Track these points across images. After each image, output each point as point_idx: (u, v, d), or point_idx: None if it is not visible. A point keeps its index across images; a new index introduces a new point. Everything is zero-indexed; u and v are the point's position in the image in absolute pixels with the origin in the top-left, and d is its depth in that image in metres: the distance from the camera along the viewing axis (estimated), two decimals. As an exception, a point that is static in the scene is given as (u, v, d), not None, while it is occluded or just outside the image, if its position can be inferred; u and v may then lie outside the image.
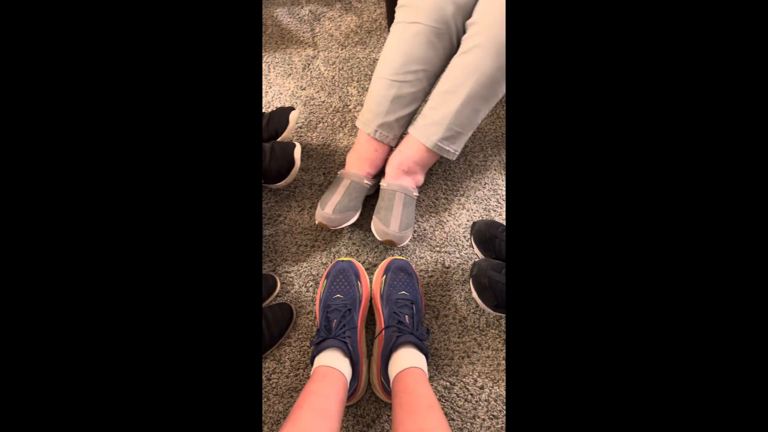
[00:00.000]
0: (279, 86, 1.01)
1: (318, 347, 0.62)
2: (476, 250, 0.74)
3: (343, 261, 0.72)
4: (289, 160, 0.76)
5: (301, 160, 0.87)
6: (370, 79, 1.03)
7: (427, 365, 0.63)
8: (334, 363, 0.59)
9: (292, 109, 0.82)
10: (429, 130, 0.74)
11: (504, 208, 0.85)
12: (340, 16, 1.14)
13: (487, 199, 0.86)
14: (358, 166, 0.78)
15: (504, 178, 0.89)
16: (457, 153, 0.77)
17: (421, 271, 0.79)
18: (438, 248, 0.81)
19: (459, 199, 0.86)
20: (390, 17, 1.06)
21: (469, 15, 0.71)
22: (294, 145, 0.77)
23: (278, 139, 0.81)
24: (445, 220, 0.84)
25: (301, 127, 0.95)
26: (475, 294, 0.69)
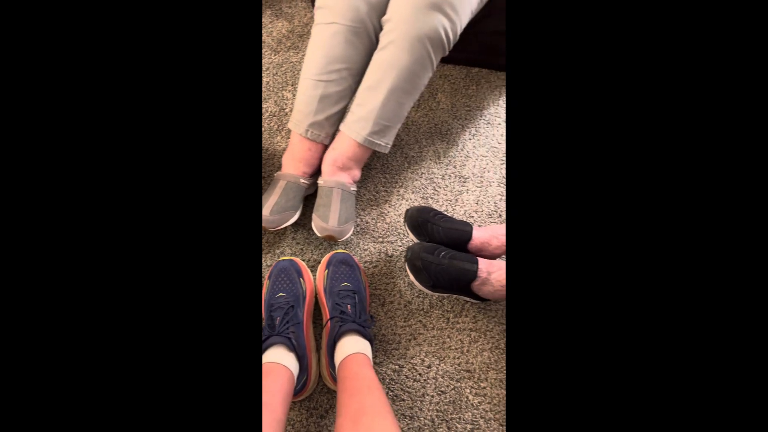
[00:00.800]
0: (213, 95, 1.01)
1: (264, 345, 0.63)
2: (411, 236, 0.78)
3: (284, 260, 0.74)
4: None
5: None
6: (304, 82, 1.05)
7: (374, 351, 0.65)
8: (278, 359, 0.60)
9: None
10: (358, 125, 0.76)
11: (440, 195, 0.89)
12: (271, 22, 1.15)
13: (424, 188, 0.90)
14: (293, 166, 0.80)
15: (439, 167, 0.93)
16: (389, 146, 0.80)
17: (366, 262, 0.81)
18: (381, 239, 0.83)
19: (398, 191, 0.89)
20: (320, 20, 1.09)
21: (383, 12, 0.74)
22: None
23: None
24: (386, 212, 0.87)
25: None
26: (411, 277, 0.72)
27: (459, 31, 0.73)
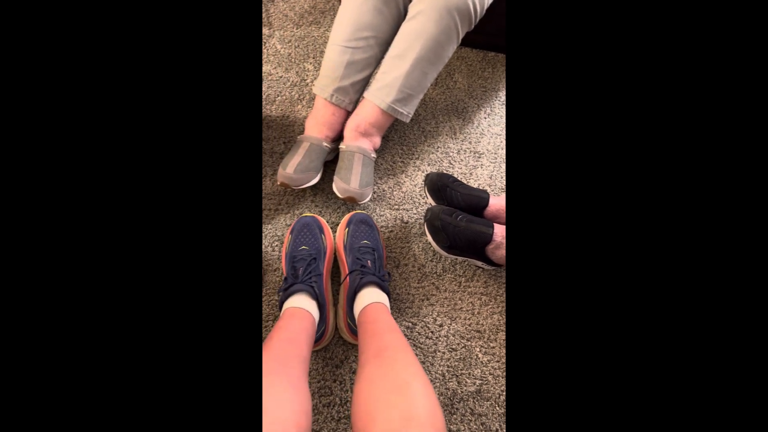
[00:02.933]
0: (236, 63, 1.03)
1: (286, 293, 0.65)
2: (430, 199, 0.80)
3: (306, 216, 0.76)
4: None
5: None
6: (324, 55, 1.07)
7: (390, 307, 0.68)
8: (302, 304, 0.63)
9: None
10: (382, 92, 0.79)
11: (455, 169, 0.92)
12: (293, -3, 1.17)
13: (440, 161, 0.93)
14: (317, 129, 0.82)
15: (454, 142, 0.96)
16: (410, 115, 0.82)
17: (382, 227, 0.83)
18: (397, 206, 0.86)
19: (414, 162, 0.92)
20: (342, -2, 1.11)
21: (413, -16, 0.77)
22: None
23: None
24: (402, 181, 0.89)
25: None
26: (429, 237, 0.75)
27: (486, 5, 0.76)
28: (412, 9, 0.76)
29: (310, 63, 1.05)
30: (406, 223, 0.84)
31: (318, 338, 0.67)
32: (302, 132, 0.93)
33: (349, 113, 0.84)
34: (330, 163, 0.87)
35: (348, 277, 0.70)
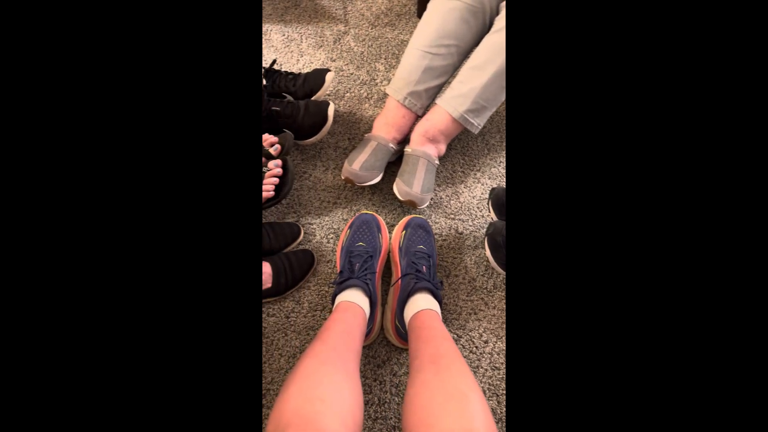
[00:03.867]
0: (310, 56, 1.06)
1: (340, 286, 0.66)
2: (492, 214, 0.80)
3: (366, 213, 0.77)
4: (323, 116, 0.81)
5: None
6: (397, 58, 1.08)
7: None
8: (356, 300, 0.63)
9: (328, 70, 0.87)
10: (456, 101, 0.79)
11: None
12: (371, -2, 1.19)
13: (501, 176, 0.92)
14: (385, 130, 0.83)
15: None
16: (480, 127, 0.82)
17: (436, 234, 0.83)
18: (453, 216, 0.86)
19: (475, 174, 0.91)
20: (420, 5, 1.12)
21: (503, -2, 0.76)
22: (328, 104, 0.82)
23: (312, 98, 0.85)
24: (460, 191, 0.89)
25: (329, 95, 1.00)
26: (488, 251, 0.74)
27: None
28: (498, 23, 0.76)
29: (381, 63, 1.06)
30: (461, 233, 0.84)
31: (365, 334, 0.68)
32: (368, 130, 0.94)
33: (418, 117, 0.85)
34: (391, 163, 0.88)
35: (400, 280, 0.70)
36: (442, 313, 0.75)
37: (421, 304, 0.64)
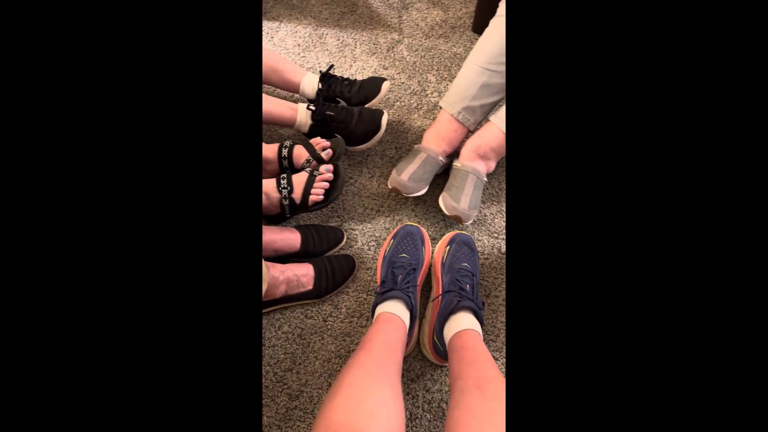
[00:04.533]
0: (363, 62, 1.07)
1: (382, 296, 0.66)
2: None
3: (411, 225, 0.77)
4: (376, 125, 0.81)
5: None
6: (449, 70, 1.08)
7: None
8: (397, 311, 0.63)
9: (384, 79, 0.88)
10: (511, 120, 0.78)
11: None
12: (427, 8, 1.19)
13: (548, 198, 0.90)
14: (435, 143, 0.83)
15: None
16: None
17: (478, 252, 0.82)
18: (496, 234, 0.84)
19: (521, 194, 0.90)
20: (476, 19, 1.12)
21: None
22: (382, 113, 0.83)
23: (366, 105, 0.86)
24: (505, 211, 0.87)
25: (379, 103, 1.00)
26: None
27: None
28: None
29: (433, 75, 1.06)
30: (503, 254, 0.82)
31: (401, 348, 0.67)
32: (415, 140, 0.94)
33: (470, 133, 0.84)
34: (436, 175, 0.88)
35: (442, 296, 0.69)
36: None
37: (464, 323, 0.63)
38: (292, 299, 0.72)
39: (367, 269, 0.79)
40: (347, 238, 0.82)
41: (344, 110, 0.82)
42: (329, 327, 0.73)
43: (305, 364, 0.70)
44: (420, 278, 0.72)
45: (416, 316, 0.67)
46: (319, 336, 0.72)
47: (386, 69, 1.06)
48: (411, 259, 0.71)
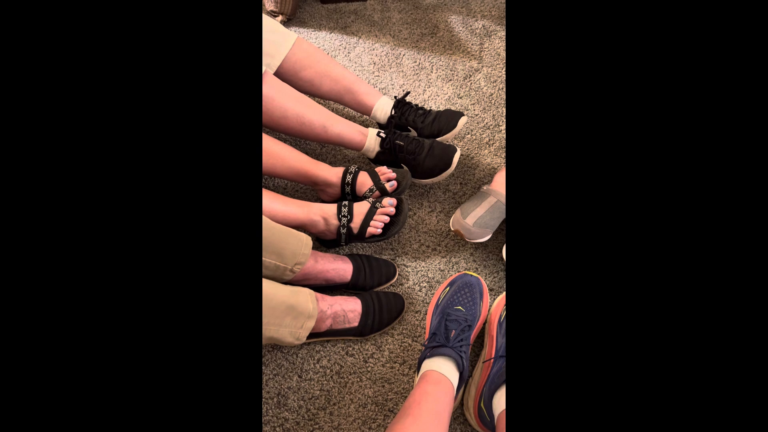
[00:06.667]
0: (437, 88, 1.03)
1: (432, 351, 0.61)
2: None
3: (471, 276, 0.72)
4: (447, 161, 0.77)
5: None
6: (526, 107, 1.02)
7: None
8: (447, 372, 0.58)
9: (462, 114, 0.83)
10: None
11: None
12: (511, 38, 1.14)
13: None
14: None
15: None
16: None
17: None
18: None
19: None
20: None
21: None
22: (455, 150, 0.78)
23: (438, 139, 0.82)
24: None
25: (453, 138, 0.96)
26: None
27: None
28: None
29: (510, 110, 1.00)
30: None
31: (443, 408, 0.62)
32: (483, 177, 0.89)
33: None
34: (502, 223, 0.82)
35: (494, 360, 0.64)
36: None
37: (518, 398, 0.57)
38: (336, 334, 0.69)
39: (416, 312, 0.75)
40: (399, 274, 0.78)
41: (415, 141, 0.79)
42: (369, 369, 0.70)
43: (340, 405, 0.67)
44: (474, 335, 0.67)
45: (466, 379, 0.62)
46: (358, 377, 0.69)
47: (461, 98, 1.02)
48: (467, 314, 0.66)
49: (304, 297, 0.61)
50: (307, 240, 0.64)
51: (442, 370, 0.59)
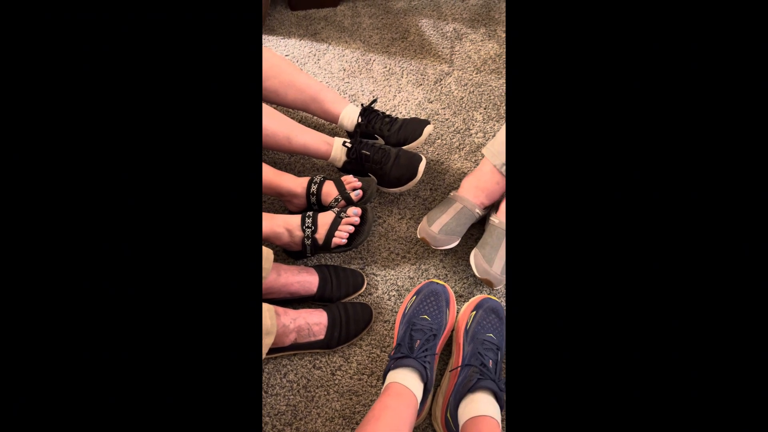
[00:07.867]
0: (408, 93, 1.03)
1: (396, 362, 0.61)
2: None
3: (437, 284, 0.71)
4: (413, 171, 0.77)
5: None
6: (497, 110, 1.02)
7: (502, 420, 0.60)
8: (409, 384, 0.58)
9: (428, 122, 0.83)
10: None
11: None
12: (482, 40, 1.14)
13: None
14: (473, 193, 0.77)
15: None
16: None
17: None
18: (529, 299, 0.77)
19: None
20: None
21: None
22: (421, 159, 0.78)
23: (404, 147, 0.82)
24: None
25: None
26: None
27: None
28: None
29: (480, 113, 1.00)
30: (535, 323, 0.75)
31: (410, 419, 0.62)
32: (453, 183, 0.88)
33: (513, 186, 0.78)
34: (471, 226, 0.82)
35: (461, 369, 0.63)
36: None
37: (482, 407, 0.57)
38: (302, 347, 0.68)
39: (385, 322, 0.74)
40: (367, 284, 0.77)
41: (381, 150, 0.78)
42: (337, 382, 0.69)
43: (306, 420, 0.66)
44: (440, 345, 0.66)
45: (431, 390, 0.61)
46: (325, 390, 0.68)
47: (431, 102, 1.01)
48: (432, 323, 0.66)
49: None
50: (267, 254, 0.63)
51: (405, 381, 0.58)
